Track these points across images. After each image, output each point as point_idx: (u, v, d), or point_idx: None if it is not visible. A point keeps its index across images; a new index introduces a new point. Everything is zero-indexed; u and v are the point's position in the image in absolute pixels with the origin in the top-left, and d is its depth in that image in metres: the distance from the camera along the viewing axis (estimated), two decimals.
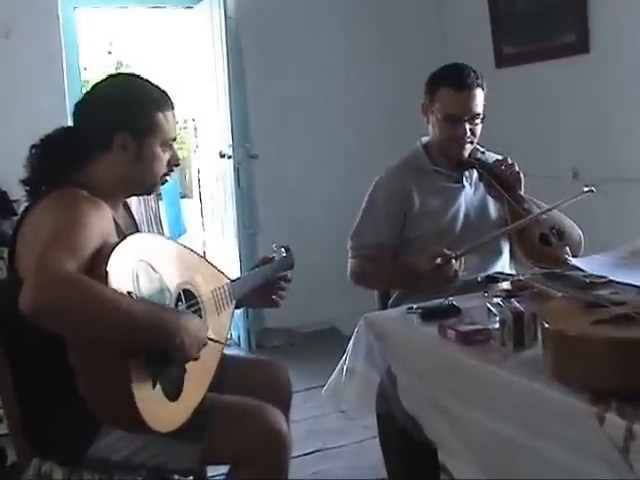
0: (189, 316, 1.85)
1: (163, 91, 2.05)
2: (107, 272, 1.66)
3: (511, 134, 4.65)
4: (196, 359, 1.82)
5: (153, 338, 1.70)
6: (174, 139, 2.07)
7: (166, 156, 2.03)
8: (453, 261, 2.36)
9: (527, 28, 4.67)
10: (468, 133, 2.63)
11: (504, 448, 1.68)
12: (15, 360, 1.90)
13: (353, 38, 5.21)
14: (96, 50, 10.78)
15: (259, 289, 2.31)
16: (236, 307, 2.27)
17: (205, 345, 1.84)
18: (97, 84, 2.08)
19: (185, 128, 11.17)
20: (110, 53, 12.16)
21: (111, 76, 2.15)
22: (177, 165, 2.08)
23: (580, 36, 4.24)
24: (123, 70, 11.19)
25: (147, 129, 1.97)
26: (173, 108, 2.05)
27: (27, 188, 1.97)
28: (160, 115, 1.99)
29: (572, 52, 4.33)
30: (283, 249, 2.41)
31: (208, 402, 1.94)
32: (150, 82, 2.05)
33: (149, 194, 2.19)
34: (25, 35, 4.33)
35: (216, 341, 1.98)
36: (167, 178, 2.09)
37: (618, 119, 4.14)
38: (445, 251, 2.37)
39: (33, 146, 1.98)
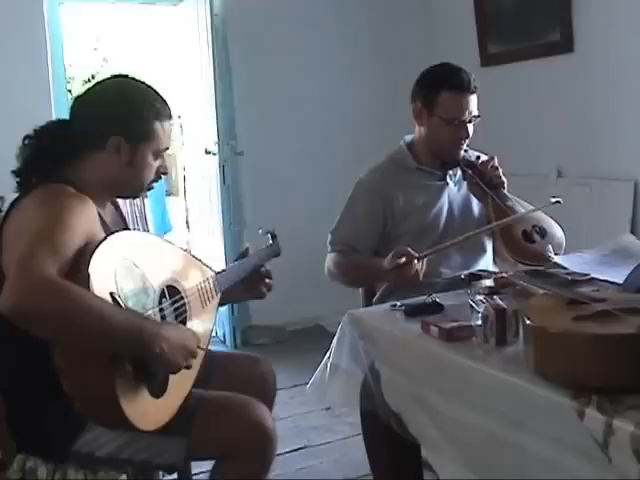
0: (172, 326, 1.85)
1: (164, 101, 2.05)
2: (89, 274, 1.65)
3: (496, 133, 4.66)
4: (188, 368, 1.82)
5: (131, 347, 1.70)
6: (167, 149, 2.07)
7: (156, 164, 2.04)
8: (415, 261, 2.34)
9: (512, 27, 4.69)
10: (471, 134, 2.66)
11: (486, 443, 1.70)
12: None
13: (340, 36, 5.22)
14: (82, 47, 10.73)
15: (245, 280, 2.32)
16: (222, 304, 2.27)
17: (195, 355, 1.84)
18: (101, 82, 2.08)
19: (171, 125, 11.12)
20: (96, 50, 12.10)
21: (117, 76, 2.14)
22: (165, 174, 2.09)
23: (564, 35, 4.27)
24: (108, 68, 11.16)
25: (143, 136, 1.97)
26: (171, 118, 2.06)
27: (18, 179, 1.97)
28: (158, 124, 1.99)
29: (557, 51, 4.36)
30: (269, 235, 2.42)
31: (193, 397, 1.95)
32: (154, 90, 2.05)
33: (134, 198, 2.19)
34: (9, 31, 4.31)
35: (202, 349, 1.98)
36: (153, 185, 2.10)
37: (602, 118, 4.17)
38: (409, 251, 2.36)
39: (26, 137, 1.98)
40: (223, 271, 2.24)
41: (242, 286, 2.33)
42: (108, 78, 2.10)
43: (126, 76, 2.11)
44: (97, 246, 1.72)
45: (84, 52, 11.14)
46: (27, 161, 1.97)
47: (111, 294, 1.69)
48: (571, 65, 4.31)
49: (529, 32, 4.55)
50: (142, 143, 1.98)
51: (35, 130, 1.99)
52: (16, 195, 1.93)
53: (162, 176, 2.09)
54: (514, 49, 4.69)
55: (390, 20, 5.31)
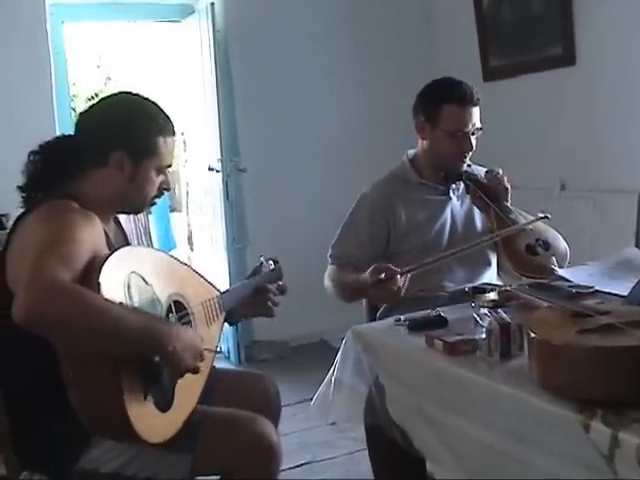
0: (182, 326, 1.87)
1: (168, 117, 2.05)
2: (99, 283, 1.67)
3: (499, 146, 4.67)
4: (195, 372, 1.83)
5: (145, 346, 1.71)
6: (169, 165, 2.07)
7: (158, 180, 2.04)
8: (398, 277, 2.30)
9: (514, 41, 4.70)
10: (474, 147, 2.67)
11: (491, 457, 1.70)
12: (4, 372, 1.89)
13: (342, 51, 5.23)
14: (85, 64, 10.77)
15: (250, 299, 2.32)
16: (230, 324, 2.28)
17: (202, 356, 1.85)
18: (106, 97, 2.10)
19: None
20: (99, 67, 12.14)
21: (121, 92, 2.16)
22: (167, 190, 2.09)
23: (566, 48, 4.28)
24: (112, 85, 11.20)
25: (146, 151, 1.98)
26: (174, 134, 2.06)
27: (23, 195, 1.97)
28: (161, 140, 2.00)
29: (558, 64, 4.37)
30: (271, 262, 2.42)
31: (198, 413, 1.95)
32: (157, 106, 2.06)
33: (136, 213, 2.20)
34: (13, 49, 4.32)
35: (210, 350, 1.99)
36: (156, 201, 2.11)
37: (605, 130, 4.17)
38: (390, 266, 2.32)
39: (31, 152, 1.99)
40: (227, 291, 2.24)
41: (247, 305, 2.32)
42: (113, 94, 2.12)
43: (130, 92, 2.12)
44: (107, 258, 1.74)
45: (88, 70, 11.18)
46: (32, 177, 1.98)
47: (120, 304, 1.70)
48: (573, 78, 4.31)
49: (531, 46, 4.56)
50: (145, 159, 1.98)
51: (40, 146, 2.01)
52: (21, 211, 1.94)
53: (165, 192, 2.09)
54: (516, 63, 4.70)
55: (392, 35, 5.32)
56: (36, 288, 1.59)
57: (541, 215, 2.58)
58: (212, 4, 4.77)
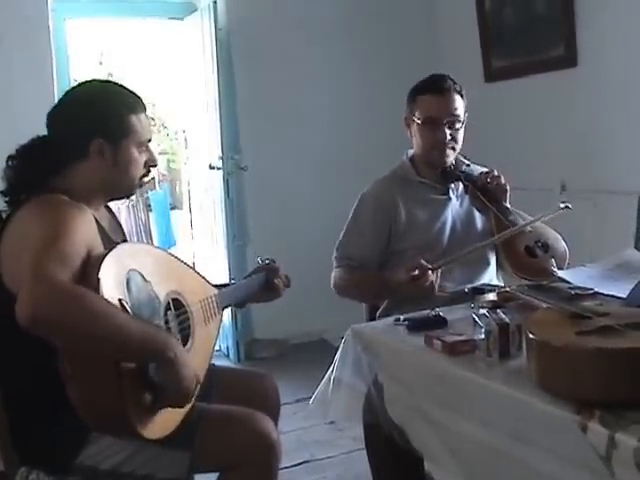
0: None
1: (134, 94, 2.06)
2: (99, 279, 1.67)
3: (500, 147, 4.69)
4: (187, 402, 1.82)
5: (146, 351, 1.71)
6: (149, 140, 2.08)
7: (143, 157, 2.04)
8: (430, 273, 2.37)
9: (516, 42, 4.71)
10: (448, 137, 2.67)
11: (490, 457, 1.70)
12: (2, 368, 1.89)
13: (343, 51, 5.23)
14: (87, 61, 10.79)
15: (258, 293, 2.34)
16: (238, 306, 2.28)
17: (199, 381, 1.85)
18: (68, 92, 2.08)
19: (176, 140, 11.14)
20: (101, 64, 12.16)
21: (81, 83, 2.16)
22: (154, 166, 2.10)
23: (568, 50, 4.28)
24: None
25: (122, 133, 1.98)
26: (145, 110, 2.06)
27: (6, 199, 1.97)
28: (133, 117, 2.00)
29: (560, 66, 4.37)
30: (268, 261, 2.43)
31: (196, 410, 1.94)
32: (121, 86, 2.07)
33: (128, 197, 2.19)
34: (15, 46, 4.32)
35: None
36: (145, 180, 2.11)
37: (606, 132, 4.18)
38: (422, 263, 2.38)
39: (9, 157, 1.98)
40: (225, 287, 2.25)
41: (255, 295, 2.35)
42: (73, 88, 2.10)
43: (89, 81, 2.12)
44: (106, 254, 1.74)
45: (90, 67, 11.19)
46: (15, 179, 1.96)
47: (120, 300, 1.71)
48: (575, 80, 4.32)
49: (533, 47, 4.56)
50: (123, 140, 1.98)
51: (17, 149, 1.99)
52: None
53: (152, 169, 2.10)
54: (518, 64, 4.70)
55: (394, 36, 5.33)
56: (39, 292, 1.59)
57: (562, 205, 2.57)
58: (214, 2, 4.78)
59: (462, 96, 2.71)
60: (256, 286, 2.37)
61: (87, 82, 2.13)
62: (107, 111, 1.98)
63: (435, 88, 2.68)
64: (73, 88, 2.10)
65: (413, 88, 2.76)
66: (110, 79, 2.11)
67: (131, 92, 2.06)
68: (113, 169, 1.99)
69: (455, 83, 2.70)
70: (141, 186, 2.12)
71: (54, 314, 1.58)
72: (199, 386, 1.86)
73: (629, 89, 4.01)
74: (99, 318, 1.63)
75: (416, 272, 2.36)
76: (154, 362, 1.73)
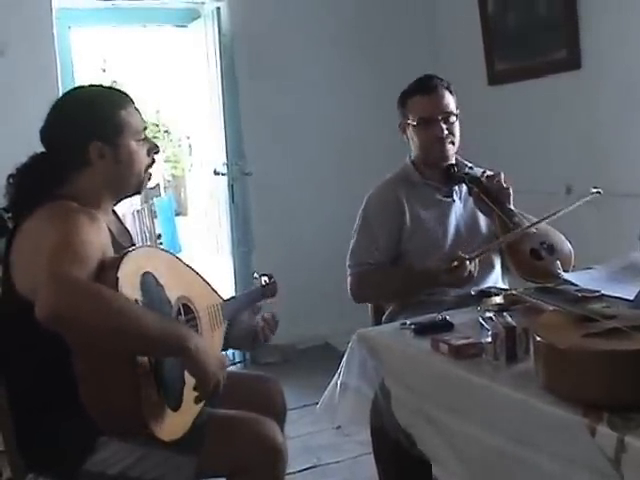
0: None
1: (118, 90, 2.08)
2: (117, 278, 1.69)
3: (504, 150, 4.68)
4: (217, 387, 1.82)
5: (168, 345, 1.72)
6: (145, 129, 2.08)
7: (143, 148, 2.05)
8: (467, 263, 2.40)
9: (519, 45, 4.70)
10: (446, 132, 2.68)
11: (497, 461, 1.69)
12: (10, 374, 1.89)
13: (346, 56, 5.23)
14: (91, 69, 10.82)
15: (242, 325, 2.33)
16: (224, 349, 2.27)
17: (225, 365, 1.86)
18: (54, 105, 2.05)
19: (180, 146, 11.16)
20: (105, 71, 12.19)
21: (64, 94, 2.17)
22: (157, 152, 2.11)
23: (571, 53, 4.28)
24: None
25: (116, 130, 1.98)
26: (133, 102, 2.07)
27: (9, 215, 1.98)
28: (123, 112, 2.00)
29: (563, 68, 4.36)
30: (266, 277, 2.43)
31: (203, 415, 1.95)
32: (102, 86, 2.11)
33: (139, 193, 2.19)
34: (20, 53, 4.34)
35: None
36: (151, 171, 2.11)
37: (610, 134, 4.17)
38: (460, 254, 2.42)
39: (10, 176, 1.98)
40: (230, 300, 2.26)
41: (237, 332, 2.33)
42: (57, 100, 2.07)
43: (70, 90, 2.14)
44: (124, 255, 1.76)
45: (94, 74, 11.22)
46: (15, 197, 1.97)
47: (135, 301, 1.72)
48: (578, 82, 4.31)
49: (536, 50, 4.55)
50: (119, 136, 1.98)
51: (17, 168, 1.99)
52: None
53: (156, 155, 2.10)
54: (521, 67, 4.69)
55: (396, 40, 5.32)
56: (58, 289, 1.59)
57: (594, 190, 2.58)
58: (218, 9, 4.79)
59: (451, 92, 2.75)
60: (260, 297, 2.40)
61: (69, 91, 2.16)
62: (96, 113, 1.99)
63: (424, 88, 2.72)
64: (57, 101, 2.07)
65: (402, 93, 2.80)
66: (92, 83, 2.11)
67: (114, 89, 2.08)
68: (117, 167, 1.99)
69: (442, 80, 2.74)
70: (149, 178, 2.12)
71: (75, 308, 1.59)
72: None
73: (633, 91, 4.00)
74: (119, 312, 1.63)
75: (455, 263, 2.39)
76: (175, 356, 1.75)
